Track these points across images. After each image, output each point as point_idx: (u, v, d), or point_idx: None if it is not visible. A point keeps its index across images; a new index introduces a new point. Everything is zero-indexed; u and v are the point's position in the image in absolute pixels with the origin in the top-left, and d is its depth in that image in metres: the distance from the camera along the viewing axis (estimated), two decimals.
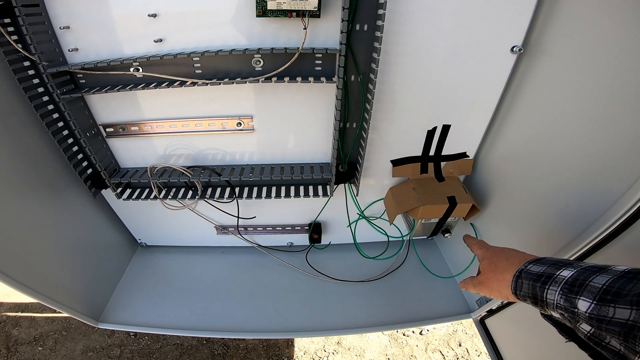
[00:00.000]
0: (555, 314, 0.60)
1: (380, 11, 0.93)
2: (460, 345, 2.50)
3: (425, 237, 1.43)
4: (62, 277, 1.30)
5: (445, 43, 1.05)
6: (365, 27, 1.00)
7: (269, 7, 0.94)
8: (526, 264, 0.68)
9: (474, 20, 1.01)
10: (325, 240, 1.71)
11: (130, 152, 1.34)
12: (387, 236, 1.50)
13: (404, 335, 2.56)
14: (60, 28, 1.03)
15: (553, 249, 1.00)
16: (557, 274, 0.59)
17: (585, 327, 0.56)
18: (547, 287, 0.59)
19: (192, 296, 1.58)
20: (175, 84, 1.06)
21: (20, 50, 1.00)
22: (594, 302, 0.51)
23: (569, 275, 0.57)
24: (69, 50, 1.07)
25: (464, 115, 1.21)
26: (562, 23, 0.97)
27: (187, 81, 1.05)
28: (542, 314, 0.69)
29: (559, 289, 0.57)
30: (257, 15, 0.98)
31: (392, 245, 1.62)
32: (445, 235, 1.37)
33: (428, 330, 2.58)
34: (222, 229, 1.64)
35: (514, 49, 1.06)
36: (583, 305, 0.52)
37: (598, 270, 0.54)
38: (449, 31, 1.03)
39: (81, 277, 1.40)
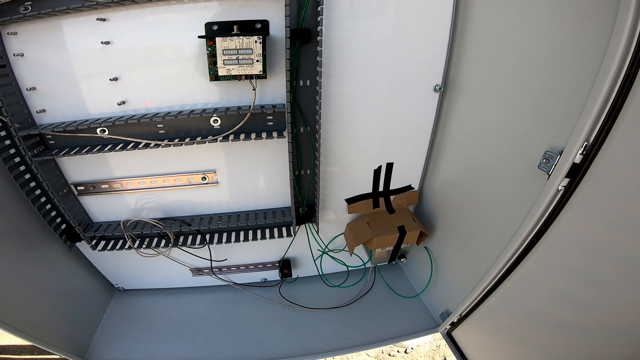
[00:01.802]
0: None
1: (318, 69, 1.06)
2: (445, 359, 2.56)
3: (386, 262, 1.54)
4: (43, 320, 1.34)
5: (378, 89, 1.20)
6: (308, 83, 1.15)
7: (219, 73, 1.07)
8: None
9: (401, 65, 1.17)
10: (297, 273, 1.80)
11: (102, 208, 1.40)
12: (347, 266, 1.61)
13: (389, 355, 2.58)
14: (27, 89, 1.09)
15: (493, 256, 1.11)
16: None
17: None
18: None
19: (174, 334, 1.62)
20: (140, 145, 1.14)
21: None
22: None
23: None
24: (37, 111, 1.13)
25: (403, 152, 1.36)
26: (470, 61, 1.13)
27: (151, 143, 1.15)
28: None
29: None
30: (211, 80, 1.11)
31: (357, 273, 1.72)
32: (402, 260, 1.49)
33: (412, 349, 2.61)
34: (198, 271, 1.70)
35: (436, 87, 1.22)
36: None
37: None
38: (381, 78, 1.18)
39: (62, 320, 1.44)
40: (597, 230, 0.81)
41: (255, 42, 1.03)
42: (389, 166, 1.37)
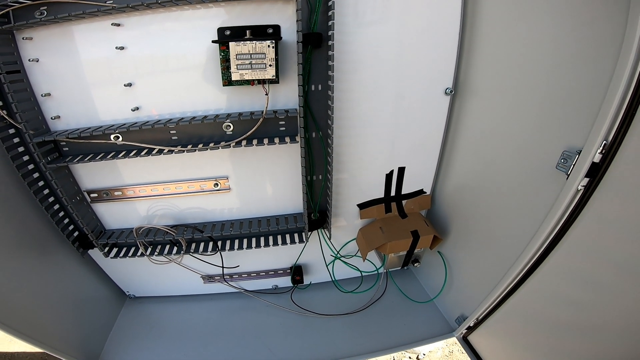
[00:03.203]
0: None
1: (330, 73, 1.06)
2: None
3: (399, 267, 1.53)
4: (55, 327, 1.33)
5: (389, 92, 1.20)
6: (320, 87, 1.15)
7: (233, 78, 1.07)
8: None
9: (411, 69, 1.17)
10: (308, 280, 1.79)
11: (114, 215, 1.41)
12: (360, 272, 1.60)
13: None
14: (42, 95, 1.09)
15: (511, 259, 1.09)
16: None
17: None
18: None
19: (185, 341, 1.62)
20: (154, 151, 1.14)
21: (6, 117, 1.03)
22: None
23: None
24: (51, 118, 1.13)
25: (415, 156, 1.35)
26: (481, 63, 1.13)
27: (165, 149, 1.14)
28: None
29: None
30: (224, 85, 1.11)
31: (369, 279, 1.71)
32: (415, 264, 1.47)
33: (424, 354, 2.58)
34: (209, 278, 1.70)
35: (447, 90, 1.22)
36: None
37: None
38: (391, 82, 1.18)
39: (74, 327, 1.43)
40: (618, 233, 0.80)
41: (268, 46, 1.03)
42: (401, 170, 1.36)
